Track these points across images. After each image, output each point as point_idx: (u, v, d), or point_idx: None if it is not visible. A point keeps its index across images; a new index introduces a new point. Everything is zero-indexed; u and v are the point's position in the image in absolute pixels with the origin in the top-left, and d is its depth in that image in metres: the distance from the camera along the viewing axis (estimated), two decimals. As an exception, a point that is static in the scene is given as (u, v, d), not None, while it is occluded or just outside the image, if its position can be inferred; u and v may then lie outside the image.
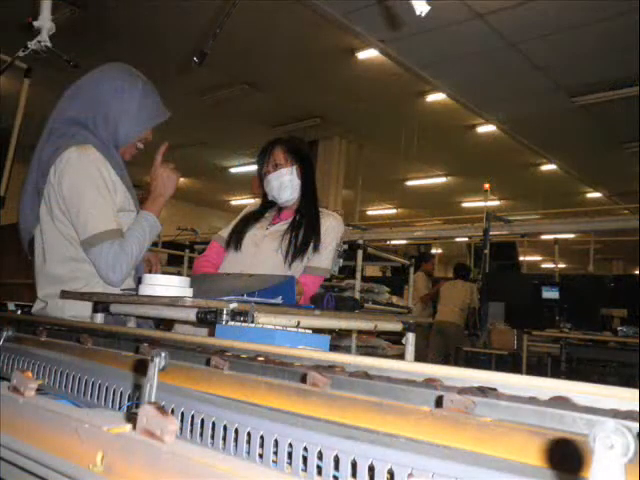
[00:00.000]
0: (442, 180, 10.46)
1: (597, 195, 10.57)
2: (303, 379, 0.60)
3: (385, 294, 4.64)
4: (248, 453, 0.49)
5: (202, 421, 0.54)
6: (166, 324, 1.92)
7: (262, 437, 0.48)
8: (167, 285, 1.29)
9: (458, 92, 6.68)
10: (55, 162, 1.55)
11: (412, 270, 5.19)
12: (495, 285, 6.19)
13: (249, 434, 0.49)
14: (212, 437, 0.53)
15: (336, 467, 0.42)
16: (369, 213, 13.04)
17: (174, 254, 6.78)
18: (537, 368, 5.81)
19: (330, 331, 1.72)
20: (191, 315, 1.24)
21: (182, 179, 1.76)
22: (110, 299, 1.41)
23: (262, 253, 1.93)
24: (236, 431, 0.50)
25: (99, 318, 1.43)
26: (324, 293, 1.67)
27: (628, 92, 6.09)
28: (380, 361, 0.71)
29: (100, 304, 1.44)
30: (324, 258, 1.95)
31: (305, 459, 0.45)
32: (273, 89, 7.27)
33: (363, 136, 8.78)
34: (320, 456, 0.43)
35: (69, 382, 0.75)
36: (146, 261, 1.78)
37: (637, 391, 0.51)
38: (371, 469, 0.40)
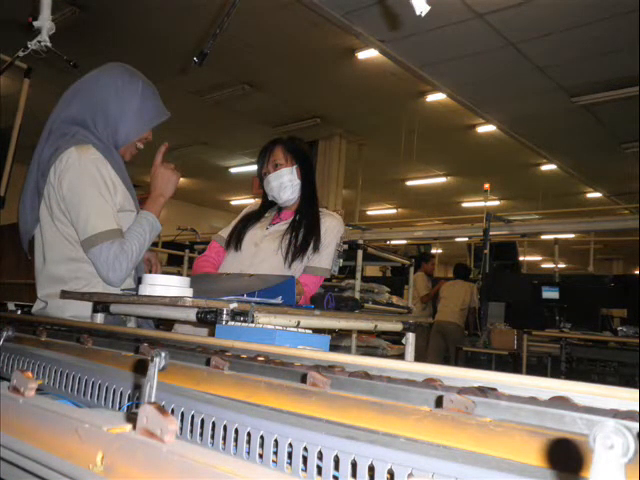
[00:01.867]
0: (442, 180, 10.46)
1: (597, 195, 10.57)
2: (303, 379, 0.60)
3: (385, 294, 4.63)
4: (248, 453, 0.49)
5: (202, 421, 0.54)
6: (166, 324, 1.92)
7: (262, 437, 0.48)
8: (167, 285, 1.29)
9: (458, 92, 6.68)
10: (55, 162, 1.55)
11: (412, 270, 5.19)
12: (495, 285, 6.20)
13: (249, 434, 0.49)
14: (212, 437, 0.53)
15: (336, 467, 0.42)
16: (369, 213, 13.04)
17: (174, 254, 6.78)
18: (537, 368, 5.81)
19: (330, 331, 1.72)
20: (191, 315, 1.24)
21: (182, 179, 1.76)
22: (110, 299, 1.41)
23: (262, 253, 1.93)
24: (236, 431, 0.50)
25: (99, 318, 1.43)
26: (324, 293, 1.67)
27: (628, 92, 6.09)
28: (380, 361, 0.71)
29: (100, 304, 1.44)
30: (324, 258, 1.95)
31: (305, 459, 0.44)
32: (273, 89, 7.27)
33: (363, 136, 8.77)
34: (320, 456, 0.43)
35: (69, 382, 0.75)
36: (146, 261, 1.78)
37: (637, 391, 0.51)
38: (371, 469, 0.40)
